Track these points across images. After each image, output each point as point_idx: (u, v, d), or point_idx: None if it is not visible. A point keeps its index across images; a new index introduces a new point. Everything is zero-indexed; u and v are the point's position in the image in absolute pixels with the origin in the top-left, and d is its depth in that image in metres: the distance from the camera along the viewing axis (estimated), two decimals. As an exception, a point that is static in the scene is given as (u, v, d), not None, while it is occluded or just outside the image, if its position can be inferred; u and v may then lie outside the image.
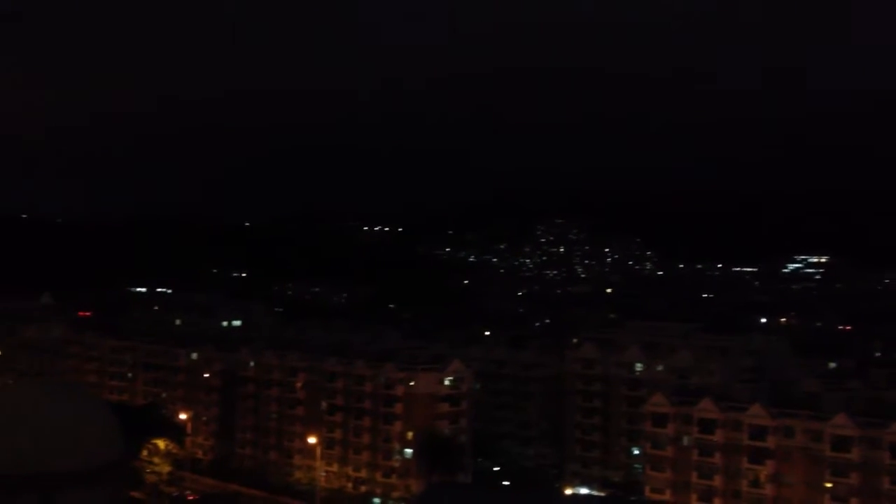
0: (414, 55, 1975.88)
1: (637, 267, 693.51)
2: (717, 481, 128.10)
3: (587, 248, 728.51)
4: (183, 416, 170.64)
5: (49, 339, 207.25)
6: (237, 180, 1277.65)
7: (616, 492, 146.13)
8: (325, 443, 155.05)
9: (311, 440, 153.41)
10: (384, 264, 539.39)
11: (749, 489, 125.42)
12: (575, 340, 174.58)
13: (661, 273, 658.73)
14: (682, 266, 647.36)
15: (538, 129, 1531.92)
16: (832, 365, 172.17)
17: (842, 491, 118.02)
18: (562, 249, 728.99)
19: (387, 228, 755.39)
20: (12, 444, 49.14)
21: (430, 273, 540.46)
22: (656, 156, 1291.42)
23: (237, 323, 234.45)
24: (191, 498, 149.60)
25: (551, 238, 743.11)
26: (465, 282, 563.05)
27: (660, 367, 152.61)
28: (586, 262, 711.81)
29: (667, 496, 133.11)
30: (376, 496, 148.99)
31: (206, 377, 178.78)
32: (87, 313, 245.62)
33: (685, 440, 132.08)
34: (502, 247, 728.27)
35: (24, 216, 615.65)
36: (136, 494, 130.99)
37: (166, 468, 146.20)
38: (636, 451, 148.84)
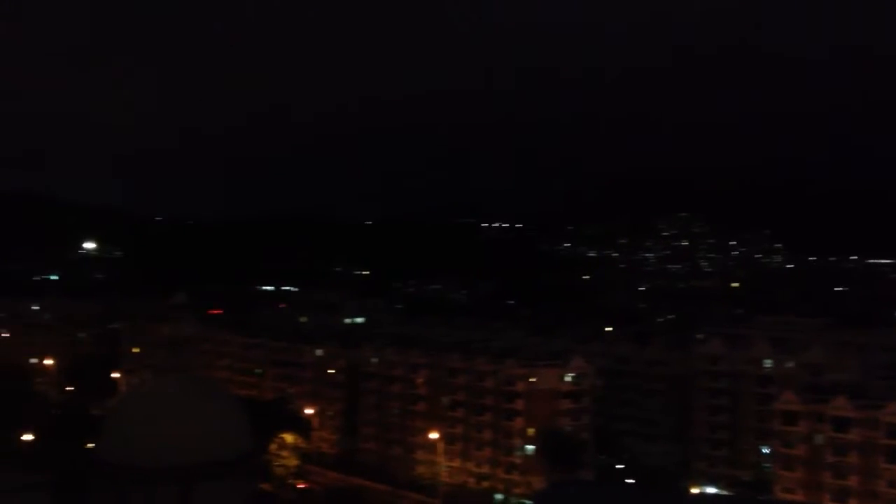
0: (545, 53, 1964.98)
1: (765, 260, 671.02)
2: (853, 481, 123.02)
3: (711, 241, 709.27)
4: (309, 411, 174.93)
5: (182, 336, 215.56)
6: (357, 179, 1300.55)
7: (745, 491, 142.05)
8: (447, 438, 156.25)
9: (433, 435, 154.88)
10: (504, 261, 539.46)
11: (887, 490, 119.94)
12: (700, 336, 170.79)
13: (790, 266, 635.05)
14: (813, 259, 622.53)
15: (660, 125, 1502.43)
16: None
17: None
18: (685, 243, 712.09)
19: (506, 225, 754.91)
20: (152, 437, 51.27)
21: (549, 269, 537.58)
22: (784, 147, 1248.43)
23: (360, 320, 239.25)
24: (301, 486, 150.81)
25: (674, 232, 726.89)
26: (586, 277, 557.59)
27: (790, 364, 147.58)
28: (711, 255, 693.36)
29: (798, 496, 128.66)
30: (498, 492, 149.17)
31: (331, 373, 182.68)
32: (218, 311, 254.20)
33: (818, 439, 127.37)
34: (623, 242, 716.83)
35: (158, 219, 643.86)
36: (265, 487, 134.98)
37: (294, 462, 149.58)
38: (765, 450, 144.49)
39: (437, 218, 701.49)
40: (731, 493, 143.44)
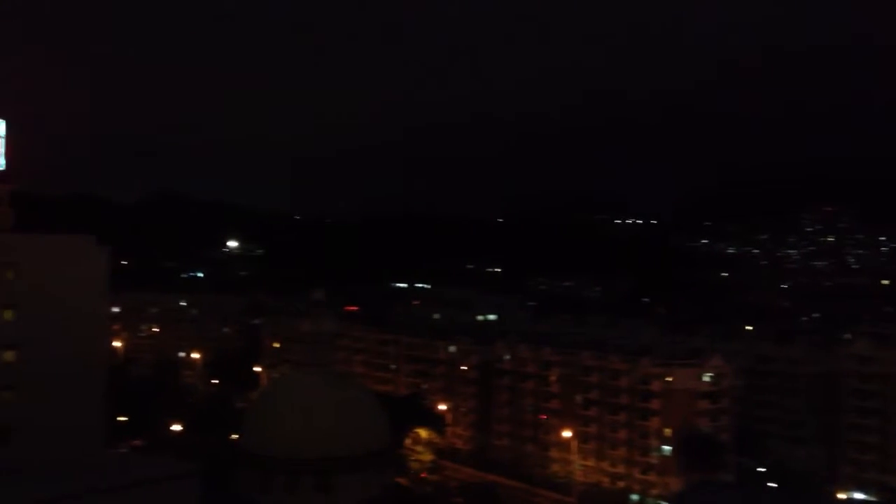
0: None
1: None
2: None
3: (859, 236, 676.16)
4: (443, 407, 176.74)
5: (321, 332, 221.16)
6: (489, 176, 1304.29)
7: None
8: (581, 437, 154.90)
9: (567, 434, 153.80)
10: (639, 258, 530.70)
11: None
12: (848, 336, 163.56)
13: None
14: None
15: (797, 117, 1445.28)
16: None
17: None
18: (830, 239, 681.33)
19: (639, 221, 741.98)
20: (293, 430, 52.67)
21: (686, 266, 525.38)
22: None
23: (492, 317, 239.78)
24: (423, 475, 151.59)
25: (818, 227, 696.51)
26: (724, 274, 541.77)
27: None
28: (859, 251, 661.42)
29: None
30: (634, 492, 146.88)
31: (464, 369, 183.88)
32: (354, 308, 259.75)
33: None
34: (764, 238, 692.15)
35: (296, 217, 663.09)
36: (400, 481, 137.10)
37: (428, 457, 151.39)
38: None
39: (571, 215, 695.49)
40: (880, 500, 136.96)
